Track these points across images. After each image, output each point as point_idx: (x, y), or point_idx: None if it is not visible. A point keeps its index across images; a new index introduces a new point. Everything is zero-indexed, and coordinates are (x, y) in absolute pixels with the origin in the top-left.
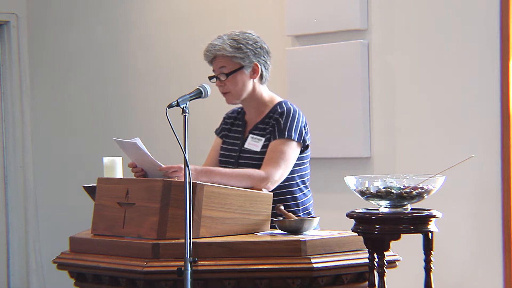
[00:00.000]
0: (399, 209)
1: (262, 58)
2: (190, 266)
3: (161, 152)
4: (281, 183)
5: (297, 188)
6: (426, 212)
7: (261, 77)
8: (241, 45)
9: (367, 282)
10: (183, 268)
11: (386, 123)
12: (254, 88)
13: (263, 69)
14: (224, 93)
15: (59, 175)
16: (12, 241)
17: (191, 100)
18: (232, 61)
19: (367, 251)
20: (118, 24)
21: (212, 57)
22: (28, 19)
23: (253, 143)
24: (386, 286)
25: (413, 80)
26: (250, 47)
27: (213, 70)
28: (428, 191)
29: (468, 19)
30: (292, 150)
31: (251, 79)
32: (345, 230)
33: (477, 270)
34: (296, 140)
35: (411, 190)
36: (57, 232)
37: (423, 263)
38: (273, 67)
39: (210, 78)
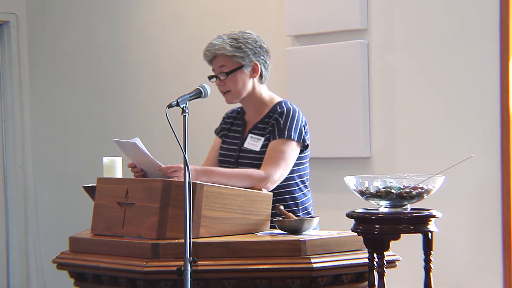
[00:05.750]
0: (399, 209)
1: (262, 57)
2: (190, 266)
3: (161, 152)
4: (280, 183)
5: (296, 188)
6: (426, 212)
7: (261, 76)
8: (241, 44)
9: (366, 282)
10: (183, 268)
11: (386, 123)
12: (253, 88)
13: (263, 68)
14: (224, 93)
15: (59, 175)
16: (12, 241)
17: (191, 100)
18: (232, 60)
19: (367, 251)
20: (117, 25)
21: (212, 56)
22: (28, 19)
23: (253, 143)
24: (386, 286)
25: (413, 80)
26: (250, 46)
27: (213, 70)
28: (428, 191)
29: (468, 19)
30: (292, 150)
31: (251, 79)
32: (345, 230)
33: (477, 270)
34: (296, 140)
35: (411, 190)
36: (57, 232)
37: (423, 263)
38: (273, 67)
39: (210, 77)
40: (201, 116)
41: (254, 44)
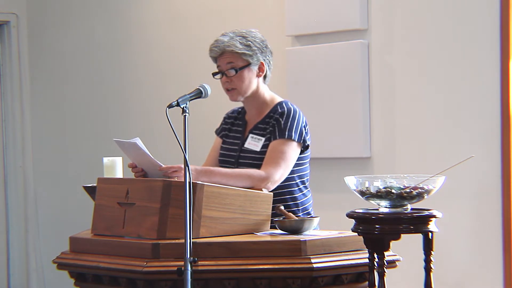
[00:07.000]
0: (399, 209)
1: (267, 57)
2: (190, 266)
3: (161, 152)
4: (281, 183)
5: (296, 188)
6: (426, 212)
7: (265, 76)
8: (250, 42)
9: (367, 282)
10: (183, 268)
11: (386, 123)
12: (258, 87)
13: (267, 68)
14: (229, 90)
15: (59, 175)
16: (12, 241)
17: (191, 100)
18: (241, 57)
19: (367, 251)
20: (117, 25)
21: (220, 52)
22: (28, 19)
23: (253, 143)
24: (386, 286)
25: (413, 80)
26: (258, 46)
27: (218, 66)
28: (428, 191)
29: (468, 19)
30: (292, 150)
31: (257, 78)
32: (345, 230)
33: (477, 270)
34: (296, 140)
35: (411, 190)
36: (57, 232)
37: (423, 263)
38: (273, 67)
39: (215, 74)
40: (201, 116)
41: (261, 44)
